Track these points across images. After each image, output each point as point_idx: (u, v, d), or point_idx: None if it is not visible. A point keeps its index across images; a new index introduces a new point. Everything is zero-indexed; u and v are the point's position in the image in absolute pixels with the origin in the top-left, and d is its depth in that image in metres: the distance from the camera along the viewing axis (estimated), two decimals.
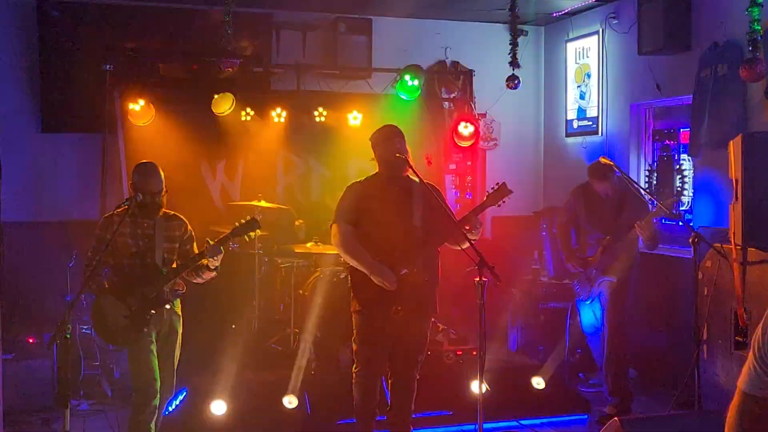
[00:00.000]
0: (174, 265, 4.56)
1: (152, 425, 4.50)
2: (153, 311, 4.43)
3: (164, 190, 4.54)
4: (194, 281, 4.65)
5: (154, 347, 4.49)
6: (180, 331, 4.67)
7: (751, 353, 1.84)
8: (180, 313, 4.69)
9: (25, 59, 7.06)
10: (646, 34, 6.62)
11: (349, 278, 4.68)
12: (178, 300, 4.66)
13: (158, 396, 4.48)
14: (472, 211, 4.53)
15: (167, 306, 4.53)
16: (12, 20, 7.05)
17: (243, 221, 4.55)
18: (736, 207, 4.93)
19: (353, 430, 4.84)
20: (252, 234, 4.57)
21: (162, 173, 4.56)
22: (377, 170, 4.70)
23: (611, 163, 5.67)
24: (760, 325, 1.85)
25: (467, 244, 4.18)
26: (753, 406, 1.82)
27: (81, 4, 7.19)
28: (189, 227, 4.69)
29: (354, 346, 4.67)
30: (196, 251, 4.60)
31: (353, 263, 4.54)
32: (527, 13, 7.86)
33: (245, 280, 6.92)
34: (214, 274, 4.60)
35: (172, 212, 4.67)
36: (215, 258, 4.44)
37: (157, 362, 4.49)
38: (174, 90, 7.08)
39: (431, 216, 4.55)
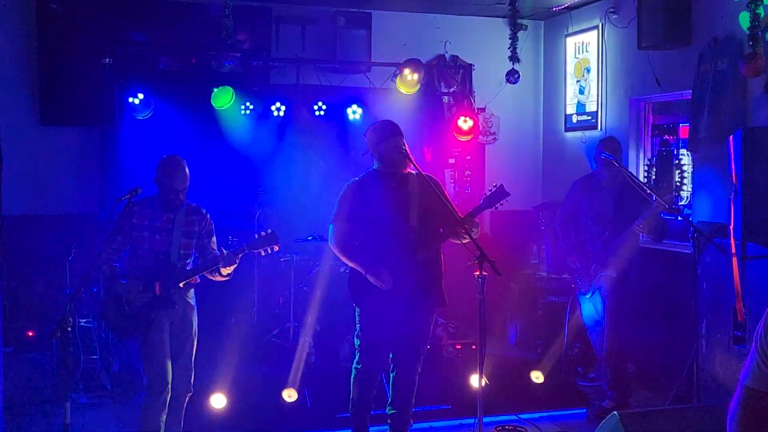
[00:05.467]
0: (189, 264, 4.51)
1: (162, 418, 4.42)
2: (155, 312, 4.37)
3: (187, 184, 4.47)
4: (209, 277, 4.56)
5: (167, 340, 4.41)
6: (195, 322, 4.57)
7: (753, 348, 1.85)
8: (194, 305, 4.60)
9: (25, 53, 7.03)
10: (645, 28, 6.61)
11: (349, 272, 4.66)
12: (192, 290, 4.58)
13: (169, 389, 4.39)
14: (469, 213, 4.45)
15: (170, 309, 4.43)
16: (11, 14, 7.02)
17: (263, 233, 4.46)
18: (735, 202, 4.94)
19: None
20: (269, 249, 4.47)
21: (187, 169, 4.48)
22: (375, 166, 4.66)
23: (612, 160, 5.67)
24: (762, 320, 1.86)
25: (467, 240, 4.18)
26: (756, 400, 1.83)
27: None
28: (209, 220, 4.59)
29: (356, 340, 4.66)
30: (214, 246, 4.58)
31: (349, 263, 4.55)
32: (527, 7, 7.86)
33: (245, 274, 6.93)
34: (226, 278, 4.56)
35: (194, 205, 4.57)
36: (229, 267, 4.43)
37: (168, 355, 4.40)
38: (173, 83, 7.07)
39: (432, 211, 4.52)
